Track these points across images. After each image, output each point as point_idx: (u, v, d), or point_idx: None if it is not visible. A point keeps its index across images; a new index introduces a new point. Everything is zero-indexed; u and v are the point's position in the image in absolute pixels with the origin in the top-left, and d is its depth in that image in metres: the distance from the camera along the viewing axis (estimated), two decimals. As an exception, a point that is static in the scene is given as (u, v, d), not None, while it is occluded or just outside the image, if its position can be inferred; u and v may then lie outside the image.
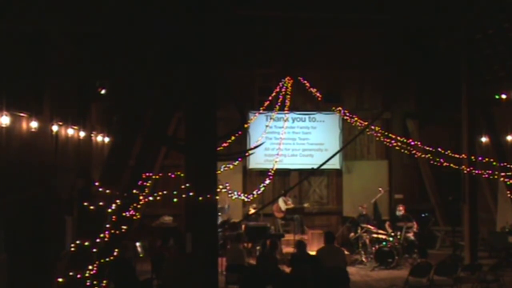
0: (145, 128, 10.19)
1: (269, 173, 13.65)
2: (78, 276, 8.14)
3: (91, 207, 9.01)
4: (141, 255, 11.66)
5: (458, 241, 13.29)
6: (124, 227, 9.08)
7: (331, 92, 15.66)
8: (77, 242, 8.70)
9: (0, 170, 7.97)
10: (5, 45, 8.26)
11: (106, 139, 14.29)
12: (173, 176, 9.84)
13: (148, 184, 10.25)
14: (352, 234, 14.01)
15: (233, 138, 12.09)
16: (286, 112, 15.27)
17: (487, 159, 12.45)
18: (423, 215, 15.22)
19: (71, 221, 11.25)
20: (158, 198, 9.23)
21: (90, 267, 8.29)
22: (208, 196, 7.66)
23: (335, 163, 15.19)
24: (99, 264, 8.44)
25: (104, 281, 8.55)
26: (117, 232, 8.86)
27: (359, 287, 11.17)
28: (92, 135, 13.03)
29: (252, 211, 14.34)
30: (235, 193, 11.14)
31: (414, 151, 13.90)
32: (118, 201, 9.02)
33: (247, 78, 15.89)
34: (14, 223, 8.63)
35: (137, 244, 11.77)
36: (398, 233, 13.27)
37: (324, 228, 15.04)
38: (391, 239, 13.01)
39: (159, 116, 10.14)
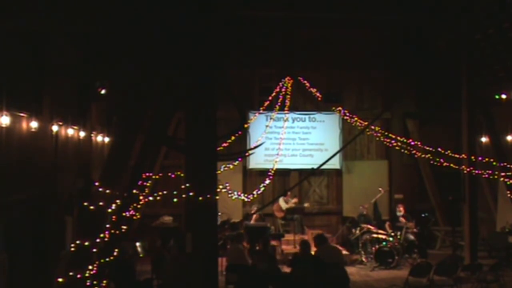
0: (145, 128, 10.20)
1: (269, 173, 13.65)
2: (78, 276, 8.15)
3: (91, 207, 9.01)
4: (141, 255, 11.66)
5: (458, 241, 13.28)
6: (124, 227, 9.08)
7: (331, 92, 15.62)
8: (77, 242, 8.70)
9: (0, 170, 7.97)
10: (5, 45, 8.26)
11: (106, 139, 14.28)
12: (173, 176, 9.84)
13: (148, 184, 10.25)
14: (352, 232, 14.00)
15: (233, 138, 12.10)
16: (286, 112, 15.27)
17: (487, 159, 12.44)
18: (423, 215, 15.21)
19: (71, 221, 11.26)
20: (158, 198, 9.23)
21: (90, 267, 8.29)
22: (208, 196, 7.66)
23: (335, 163, 15.19)
24: (99, 264, 8.44)
25: (104, 281, 8.56)
26: (117, 232, 8.86)
27: (359, 287, 11.17)
28: (92, 135, 13.02)
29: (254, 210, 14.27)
30: (235, 193, 11.13)
31: (414, 151, 13.91)
32: (118, 201, 9.03)
33: (247, 78, 15.88)
34: (14, 223, 8.63)
35: (137, 244, 11.77)
36: (398, 233, 13.28)
37: (324, 228, 15.09)
38: (391, 239, 13.01)
39: (159, 116, 10.15)
